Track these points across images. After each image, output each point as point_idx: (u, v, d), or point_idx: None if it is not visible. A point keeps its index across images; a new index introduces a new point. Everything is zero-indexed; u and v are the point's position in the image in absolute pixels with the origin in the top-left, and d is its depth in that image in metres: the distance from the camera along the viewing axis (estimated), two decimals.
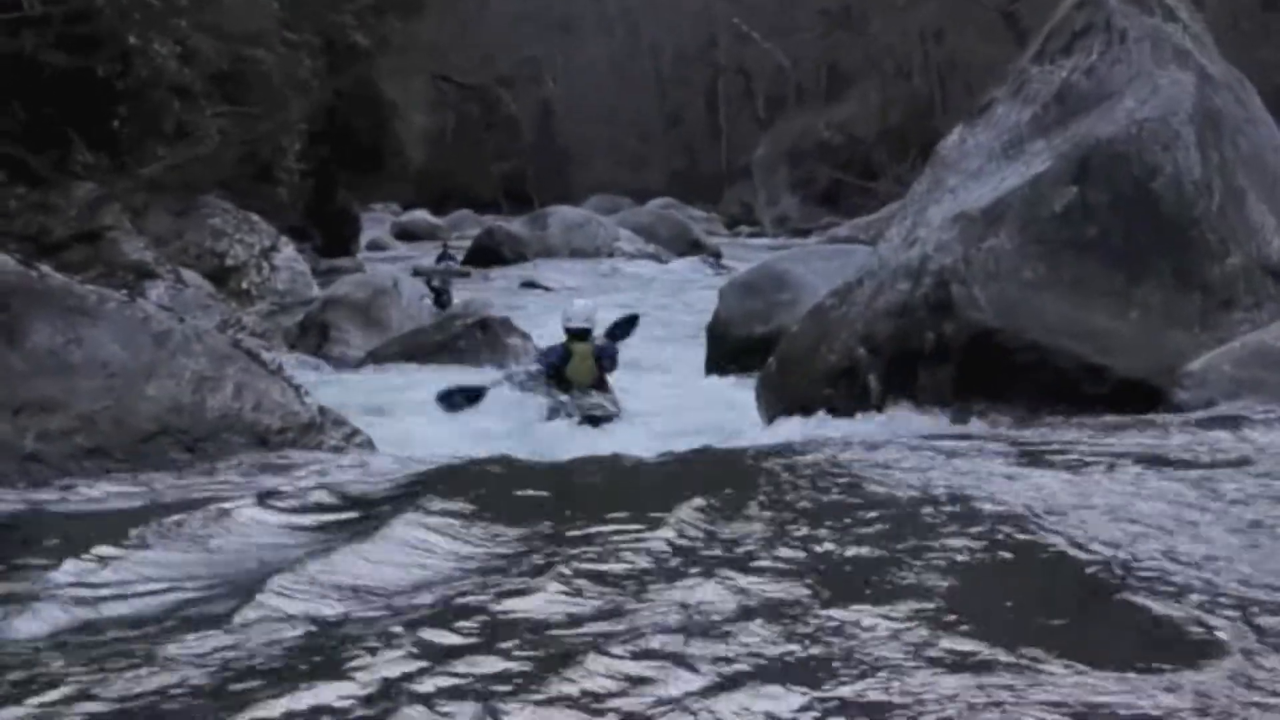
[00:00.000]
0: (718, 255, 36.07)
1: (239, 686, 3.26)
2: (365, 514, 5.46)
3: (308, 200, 25.17)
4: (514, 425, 11.33)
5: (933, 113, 50.14)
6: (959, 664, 3.39)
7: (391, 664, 3.34)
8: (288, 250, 19.30)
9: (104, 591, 4.29)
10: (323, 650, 3.53)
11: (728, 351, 14.86)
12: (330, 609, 3.98)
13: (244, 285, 17.92)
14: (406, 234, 48.77)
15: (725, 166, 67.83)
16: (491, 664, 3.35)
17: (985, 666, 3.38)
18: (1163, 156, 9.32)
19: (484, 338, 15.63)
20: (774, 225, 51.70)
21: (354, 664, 3.35)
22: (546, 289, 26.89)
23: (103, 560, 4.62)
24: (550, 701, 3.09)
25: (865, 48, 57.56)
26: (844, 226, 39.30)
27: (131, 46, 15.39)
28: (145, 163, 16.15)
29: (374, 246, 39.41)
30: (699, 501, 5.46)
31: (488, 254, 34.26)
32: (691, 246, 37.39)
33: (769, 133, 59.26)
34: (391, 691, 3.14)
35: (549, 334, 16.94)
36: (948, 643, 3.55)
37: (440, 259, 26.27)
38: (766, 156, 55.52)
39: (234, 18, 18.33)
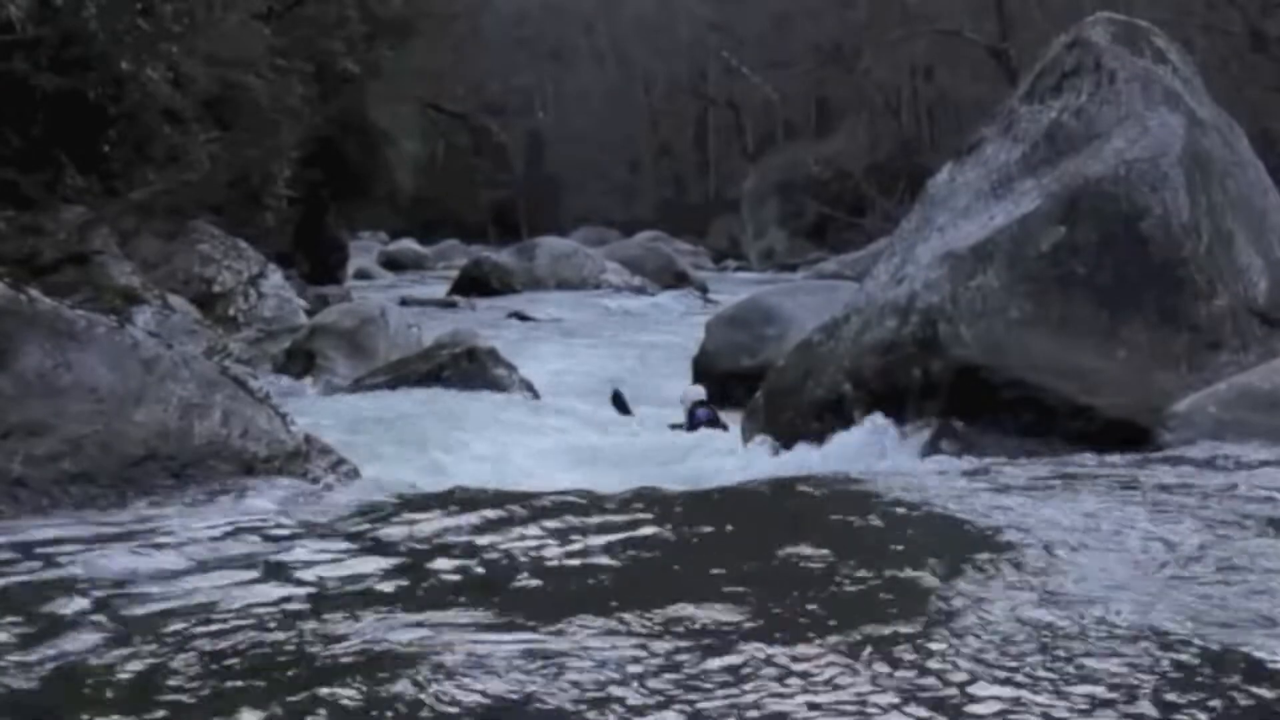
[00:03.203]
0: (704, 289, 36.12)
1: None
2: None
3: (296, 227, 25.17)
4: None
5: (921, 149, 50.31)
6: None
7: None
8: (275, 277, 19.28)
9: None
10: None
11: (714, 384, 14.87)
12: None
13: (231, 312, 17.88)
14: (393, 263, 48.79)
15: (713, 199, 67.94)
16: None
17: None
18: (1151, 197, 9.37)
19: (470, 367, 15.62)
20: (760, 259, 51.78)
21: None
22: (534, 320, 26.89)
23: None
24: None
25: (855, 83, 57.72)
26: (831, 262, 39.33)
27: (123, 71, 15.39)
28: (135, 187, 16.13)
29: (361, 275, 39.40)
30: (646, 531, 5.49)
31: (475, 284, 34.27)
32: (677, 279, 37.42)
33: (757, 166, 59.37)
34: None
35: (536, 365, 17.03)
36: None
37: None
38: (754, 190, 55.66)
39: (225, 44, 18.34)
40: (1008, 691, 3.44)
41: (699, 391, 14.31)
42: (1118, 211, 9.42)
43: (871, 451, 9.22)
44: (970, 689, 3.46)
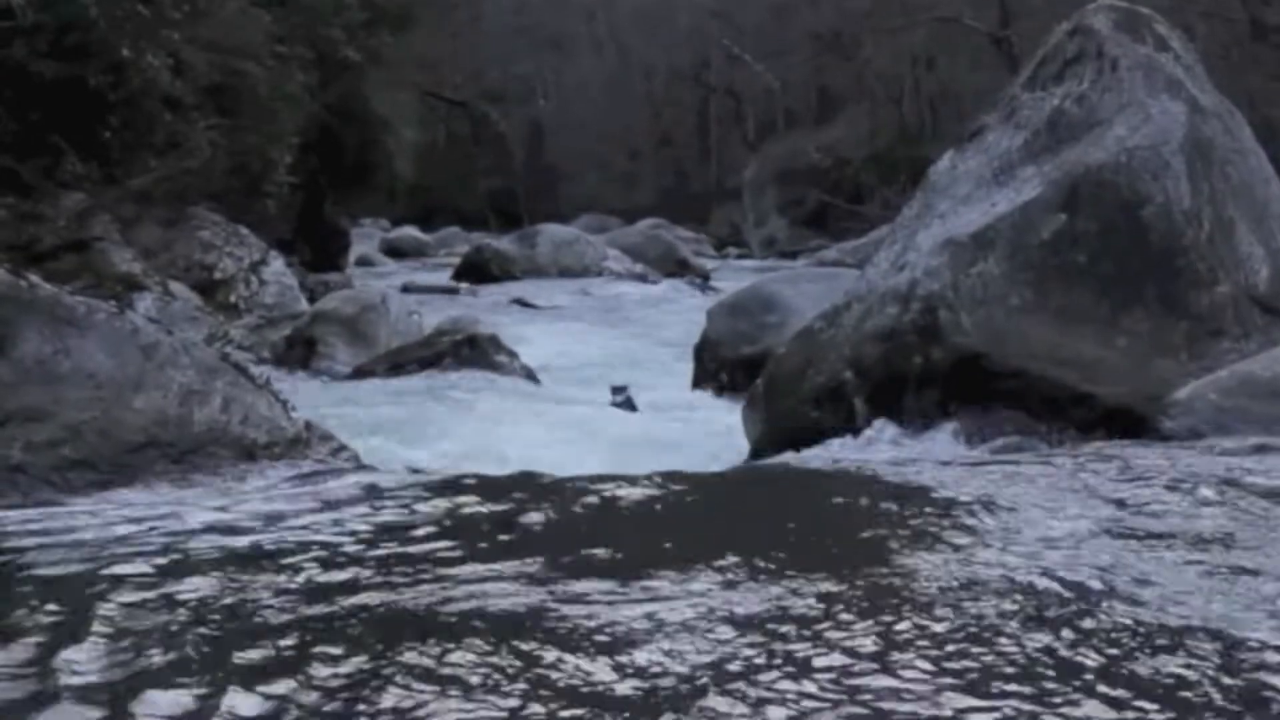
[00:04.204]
0: (705, 276, 36.03)
1: None
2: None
3: (297, 214, 25.14)
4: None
5: (922, 138, 50.23)
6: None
7: None
8: (276, 264, 19.24)
9: None
10: None
11: (715, 372, 14.87)
12: None
13: (232, 298, 17.85)
14: (395, 250, 48.69)
15: (715, 187, 67.85)
16: None
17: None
18: (1153, 185, 9.37)
19: (471, 354, 15.63)
20: (762, 247, 51.64)
21: None
22: (535, 307, 26.87)
23: None
24: None
25: (856, 72, 57.67)
26: (832, 249, 39.25)
27: (123, 57, 15.36)
28: (135, 174, 16.10)
29: (362, 262, 39.31)
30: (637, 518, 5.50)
31: (476, 271, 34.19)
32: (679, 267, 37.31)
33: (758, 155, 59.27)
34: None
35: (537, 351, 17.04)
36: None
37: None
38: (755, 178, 55.52)
39: (226, 31, 18.30)
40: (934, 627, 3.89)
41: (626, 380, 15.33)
42: (1119, 199, 9.43)
43: (870, 438, 9.24)
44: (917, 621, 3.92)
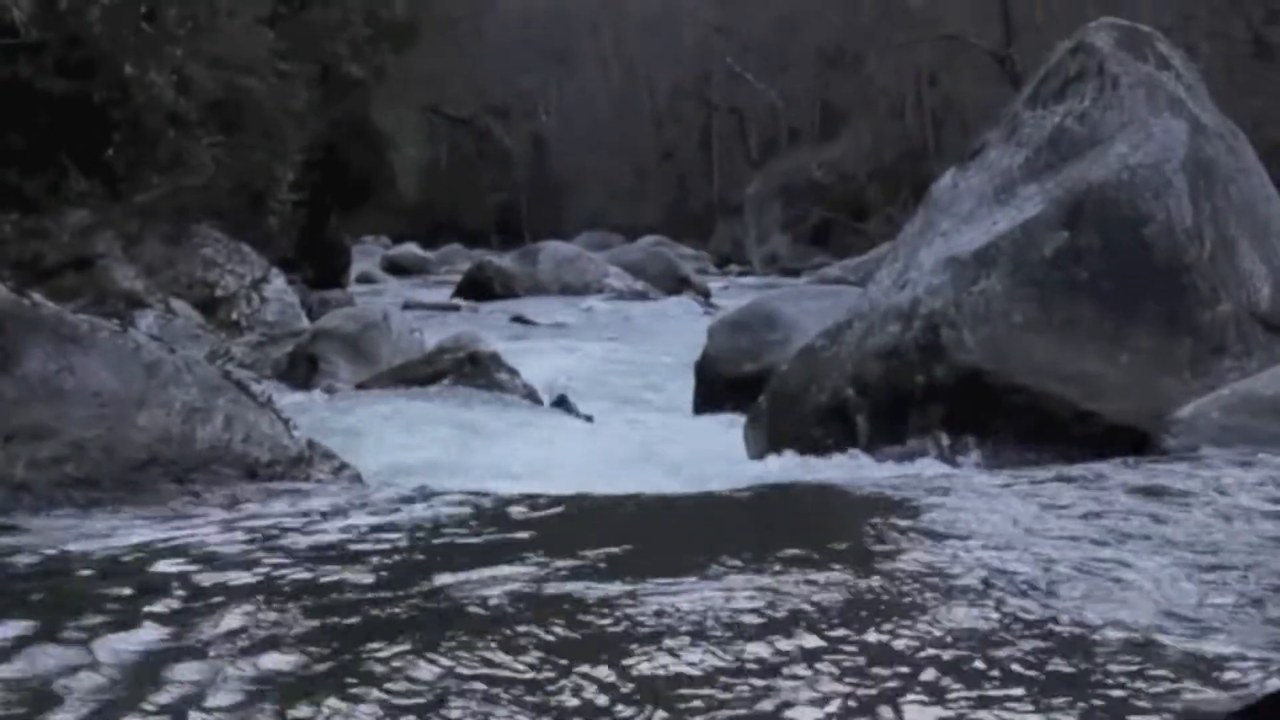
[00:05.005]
0: (707, 294, 36.04)
1: None
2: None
3: (299, 232, 25.14)
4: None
5: (925, 154, 50.26)
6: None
7: None
8: (278, 282, 19.22)
9: None
10: None
11: (716, 390, 14.84)
12: None
13: (234, 316, 17.83)
14: (396, 267, 48.73)
15: (717, 203, 67.88)
16: None
17: None
18: (1154, 204, 9.39)
19: (473, 372, 15.61)
20: (764, 264, 51.61)
21: None
22: (536, 324, 26.87)
23: None
24: None
25: (859, 88, 57.74)
26: (834, 267, 39.25)
27: (127, 74, 15.40)
28: (139, 190, 16.12)
29: (364, 280, 39.34)
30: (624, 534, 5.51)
31: (478, 288, 34.22)
32: (681, 284, 37.31)
33: (760, 171, 59.29)
34: None
35: (539, 369, 17.05)
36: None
37: None
38: (757, 195, 55.51)
39: (230, 47, 18.32)
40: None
41: (563, 384, 15.77)
42: (1121, 217, 9.44)
43: (872, 455, 9.25)
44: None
